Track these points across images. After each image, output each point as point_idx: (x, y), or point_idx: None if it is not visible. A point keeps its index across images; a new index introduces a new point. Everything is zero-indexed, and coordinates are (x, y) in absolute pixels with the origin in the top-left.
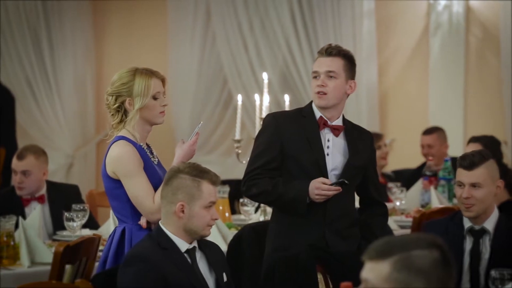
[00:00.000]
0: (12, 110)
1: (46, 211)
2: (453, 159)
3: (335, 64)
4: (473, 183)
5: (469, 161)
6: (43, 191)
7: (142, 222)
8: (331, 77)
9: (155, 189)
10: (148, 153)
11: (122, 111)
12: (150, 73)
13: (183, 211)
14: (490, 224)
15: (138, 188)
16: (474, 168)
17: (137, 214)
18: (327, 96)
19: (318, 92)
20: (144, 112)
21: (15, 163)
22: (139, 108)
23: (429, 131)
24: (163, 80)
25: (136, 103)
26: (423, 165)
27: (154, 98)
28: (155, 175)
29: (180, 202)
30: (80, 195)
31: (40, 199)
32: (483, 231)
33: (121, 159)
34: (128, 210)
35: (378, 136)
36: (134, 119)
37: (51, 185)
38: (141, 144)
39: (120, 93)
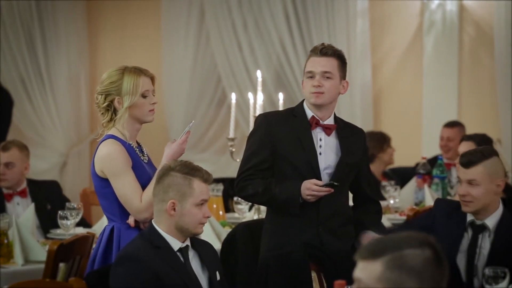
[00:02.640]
0: (9, 113)
1: (29, 203)
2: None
3: (330, 64)
4: (469, 181)
5: (466, 159)
6: (24, 185)
7: (130, 221)
8: (327, 77)
9: (144, 188)
10: (137, 151)
11: (111, 110)
12: (138, 71)
13: (174, 209)
14: (491, 221)
15: (125, 187)
16: (470, 166)
17: (125, 213)
18: (324, 95)
19: (315, 92)
20: (134, 110)
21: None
22: (128, 106)
23: (451, 124)
24: (152, 78)
25: (125, 102)
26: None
27: (143, 96)
28: (144, 174)
29: (171, 200)
30: (61, 190)
31: (22, 193)
32: (483, 227)
33: (108, 158)
34: (117, 209)
35: (389, 137)
36: (123, 117)
37: (30, 183)
38: (131, 142)
39: (109, 91)
